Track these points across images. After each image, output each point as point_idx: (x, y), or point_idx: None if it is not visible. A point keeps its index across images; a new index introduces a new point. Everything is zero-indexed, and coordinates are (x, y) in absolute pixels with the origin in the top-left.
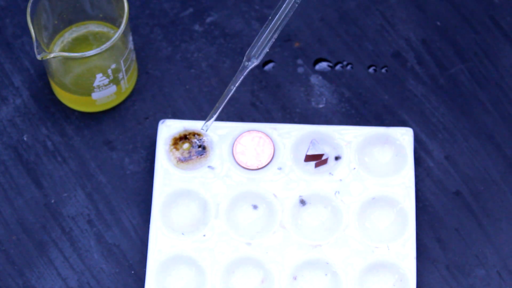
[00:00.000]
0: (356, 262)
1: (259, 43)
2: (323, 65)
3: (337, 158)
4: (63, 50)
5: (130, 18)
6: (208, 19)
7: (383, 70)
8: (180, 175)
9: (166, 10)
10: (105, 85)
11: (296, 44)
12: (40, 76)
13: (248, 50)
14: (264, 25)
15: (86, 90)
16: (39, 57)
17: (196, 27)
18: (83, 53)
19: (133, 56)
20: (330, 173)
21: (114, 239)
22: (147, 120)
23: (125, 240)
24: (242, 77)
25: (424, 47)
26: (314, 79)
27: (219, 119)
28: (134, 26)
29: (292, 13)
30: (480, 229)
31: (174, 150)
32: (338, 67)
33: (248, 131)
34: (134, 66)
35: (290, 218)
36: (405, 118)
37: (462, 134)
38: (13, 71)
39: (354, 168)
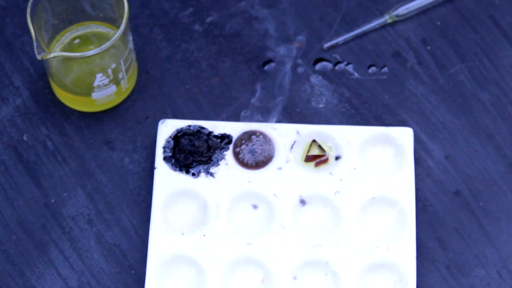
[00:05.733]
0: (356, 262)
1: None
2: (323, 65)
3: (337, 158)
4: (63, 50)
5: (130, 18)
6: (208, 19)
7: (383, 70)
8: (180, 175)
9: (166, 10)
10: (105, 85)
11: (296, 44)
12: (40, 76)
13: None
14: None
15: (86, 90)
16: (39, 57)
17: (196, 27)
18: (83, 53)
19: (133, 56)
20: (330, 173)
21: (114, 239)
22: (147, 120)
23: (125, 240)
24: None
25: (424, 47)
26: (314, 79)
27: (219, 119)
28: (134, 26)
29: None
30: (480, 229)
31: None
32: (338, 67)
33: (248, 131)
34: (134, 66)
35: (290, 218)
36: (405, 118)
37: (462, 134)
38: (13, 71)
39: (354, 168)
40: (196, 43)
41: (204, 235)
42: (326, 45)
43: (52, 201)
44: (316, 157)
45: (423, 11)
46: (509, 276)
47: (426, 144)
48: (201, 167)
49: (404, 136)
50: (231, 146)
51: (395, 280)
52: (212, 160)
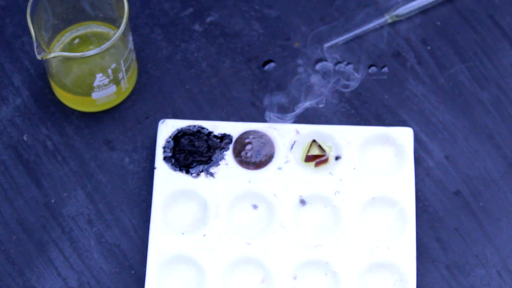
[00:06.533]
0: (356, 262)
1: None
2: (323, 65)
3: (337, 158)
4: (63, 50)
5: (130, 18)
6: (208, 19)
7: (383, 70)
8: (180, 175)
9: (166, 10)
10: (105, 85)
11: (296, 44)
12: (40, 76)
13: None
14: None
15: (86, 90)
16: (39, 57)
17: (196, 27)
18: (83, 53)
19: (133, 56)
20: (330, 173)
21: (114, 239)
22: (147, 120)
23: (125, 240)
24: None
25: (424, 47)
26: (314, 79)
27: (219, 119)
28: (134, 26)
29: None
30: (480, 229)
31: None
32: (338, 67)
33: (248, 131)
34: (134, 66)
35: (290, 218)
36: (405, 118)
37: (462, 134)
38: (13, 71)
39: (354, 168)
40: (196, 43)
41: (204, 235)
42: (326, 45)
43: (52, 201)
44: (316, 157)
45: (423, 11)
46: (509, 276)
47: (426, 144)
48: (201, 167)
49: (404, 136)
50: (231, 146)
51: (395, 280)
52: (212, 160)
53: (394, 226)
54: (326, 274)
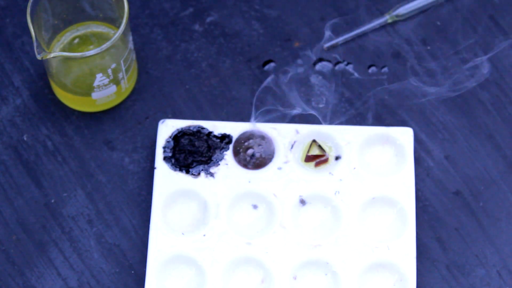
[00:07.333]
0: (356, 262)
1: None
2: (323, 65)
3: (337, 158)
4: (63, 50)
5: (130, 18)
6: (208, 19)
7: (383, 70)
8: (180, 175)
9: (166, 10)
10: (105, 85)
11: (296, 44)
12: (40, 76)
13: None
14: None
15: (86, 90)
16: (39, 57)
17: (196, 27)
18: (83, 53)
19: (133, 56)
20: (330, 173)
21: (114, 239)
22: (147, 120)
23: (125, 240)
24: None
25: (424, 47)
26: (314, 79)
27: (219, 119)
28: (134, 26)
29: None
30: (480, 229)
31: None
32: (338, 67)
33: (248, 131)
34: (134, 66)
35: (290, 218)
36: (405, 118)
37: (462, 134)
38: (13, 71)
39: (354, 168)
40: (196, 43)
41: (204, 235)
42: (326, 45)
43: (52, 201)
44: (316, 157)
45: (423, 11)
46: (509, 276)
47: (426, 144)
48: (201, 167)
49: (404, 136)
50: (231, 146)
51: (395, 280)
52: (212, 160)
53: (394, 226)
54: (326, 274)
